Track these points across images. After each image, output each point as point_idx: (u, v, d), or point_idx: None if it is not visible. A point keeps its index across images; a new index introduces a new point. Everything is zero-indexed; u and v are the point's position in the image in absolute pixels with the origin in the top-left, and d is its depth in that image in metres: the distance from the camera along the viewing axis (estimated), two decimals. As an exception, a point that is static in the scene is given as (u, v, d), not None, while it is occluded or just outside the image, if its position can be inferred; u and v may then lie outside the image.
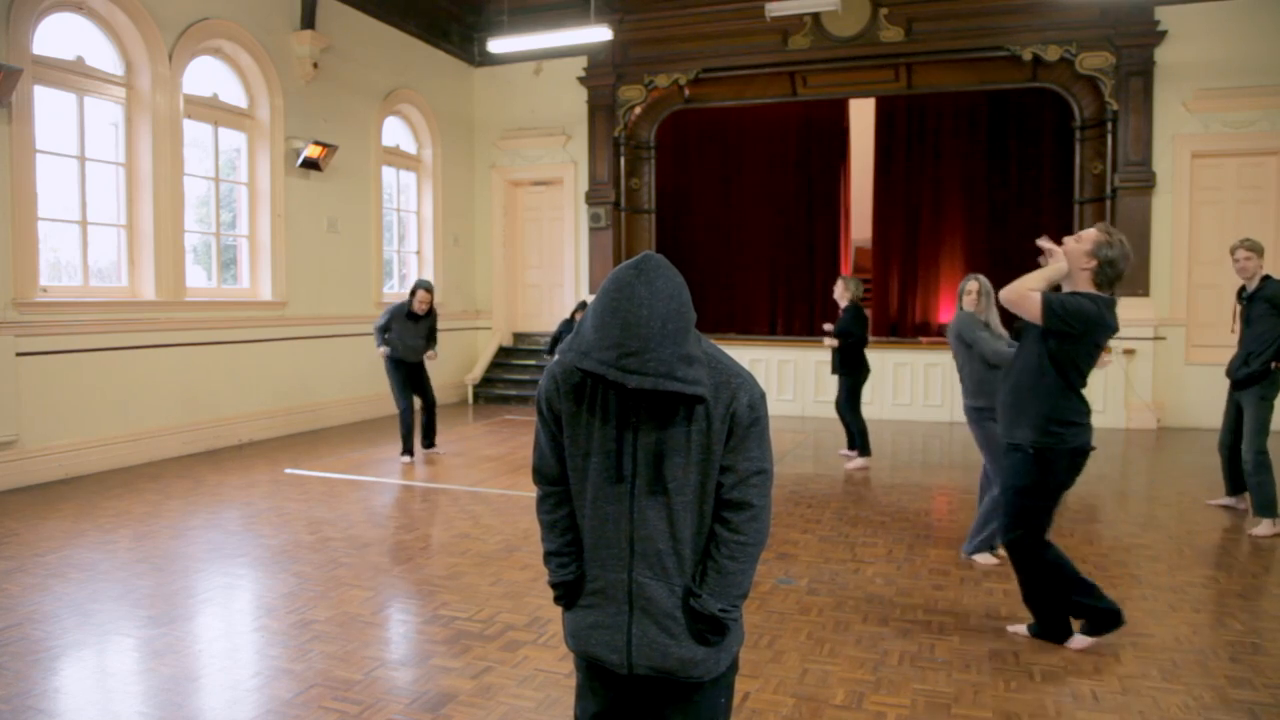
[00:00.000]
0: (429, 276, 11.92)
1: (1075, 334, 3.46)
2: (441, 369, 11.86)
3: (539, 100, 12.38)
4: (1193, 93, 9.71)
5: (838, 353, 7.60)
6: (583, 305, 9.73)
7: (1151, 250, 9.89)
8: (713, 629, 1.75)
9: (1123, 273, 3.52)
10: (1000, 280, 4.31)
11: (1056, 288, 3.59)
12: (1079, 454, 3.58)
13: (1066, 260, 3.54)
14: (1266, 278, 5.59)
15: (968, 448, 8.62)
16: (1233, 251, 5.67)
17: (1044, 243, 3.61)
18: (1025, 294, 3.47)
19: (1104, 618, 3.64)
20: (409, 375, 7.77)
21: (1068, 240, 3.60)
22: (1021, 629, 3.84)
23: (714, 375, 1.70)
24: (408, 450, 7.81)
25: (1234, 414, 5.83)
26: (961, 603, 4.23)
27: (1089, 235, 3.52)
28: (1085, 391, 3.62)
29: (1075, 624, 3.73)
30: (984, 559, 4.84)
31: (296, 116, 9.38)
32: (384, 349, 7.62)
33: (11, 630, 3.86)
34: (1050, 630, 3.73)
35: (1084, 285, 3.53)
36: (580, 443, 1.77)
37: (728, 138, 13.69)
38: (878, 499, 6.44)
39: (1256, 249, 5.58)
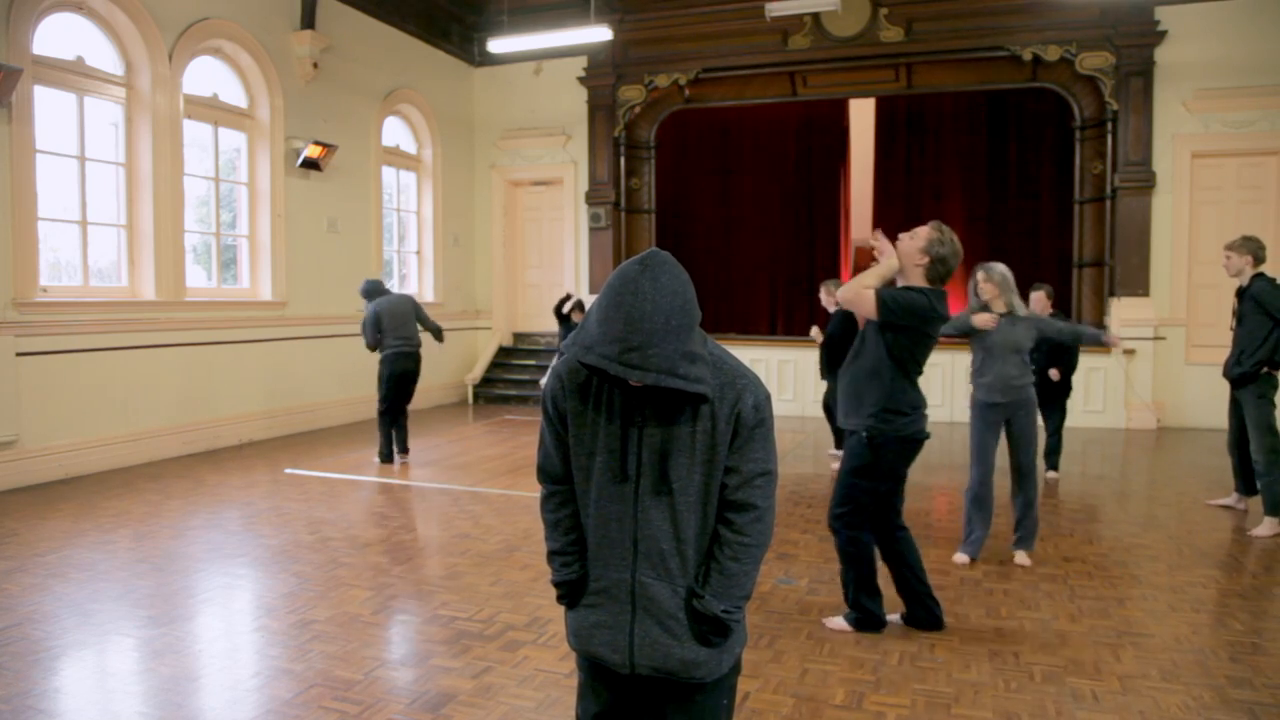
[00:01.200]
0: (429, 277, 11.92)
1: (908, 326, 3.65)
2: (441, 369, 11.87)
3: (539, 100, 12.38)
4: (1193, 93, 9.71)
5: (831, 356, 7.55)
6: (579, 306, 9.73)
7: (1151, 250, 9.90)
8: (715, 630, 1.75)
9: (952, 269, 3.72)
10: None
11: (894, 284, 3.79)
12: (911, 442, 3.79)
13: (899, 257, 3.73)
14: (1259, 275, 5.56)
15: (968, 448, 8.60)
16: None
17: (876, 239, 3.81)
18: (860, 291, 3.66)
19: (872, 621, 3.86)
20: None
21: (902, 237, 3.78)
22: (841, 622, 3.92)
23: (719, 376, 1.70)
24: (392, 455, 7.67)
25: (1239, 412, 5.78)
26: (961, 603, 4.24)
27: (922, 233, 3.72)
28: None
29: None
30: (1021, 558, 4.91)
31: (296, 116, 9.38)
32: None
33: (11, 630, 3.86)
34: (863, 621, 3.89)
35: (916, 280, 3.74)
36: (585, 441, 1.77)
37: (728, 138, 13.67)
38: (878, 499, 6.44)
39: (1237, 247, 5.59)
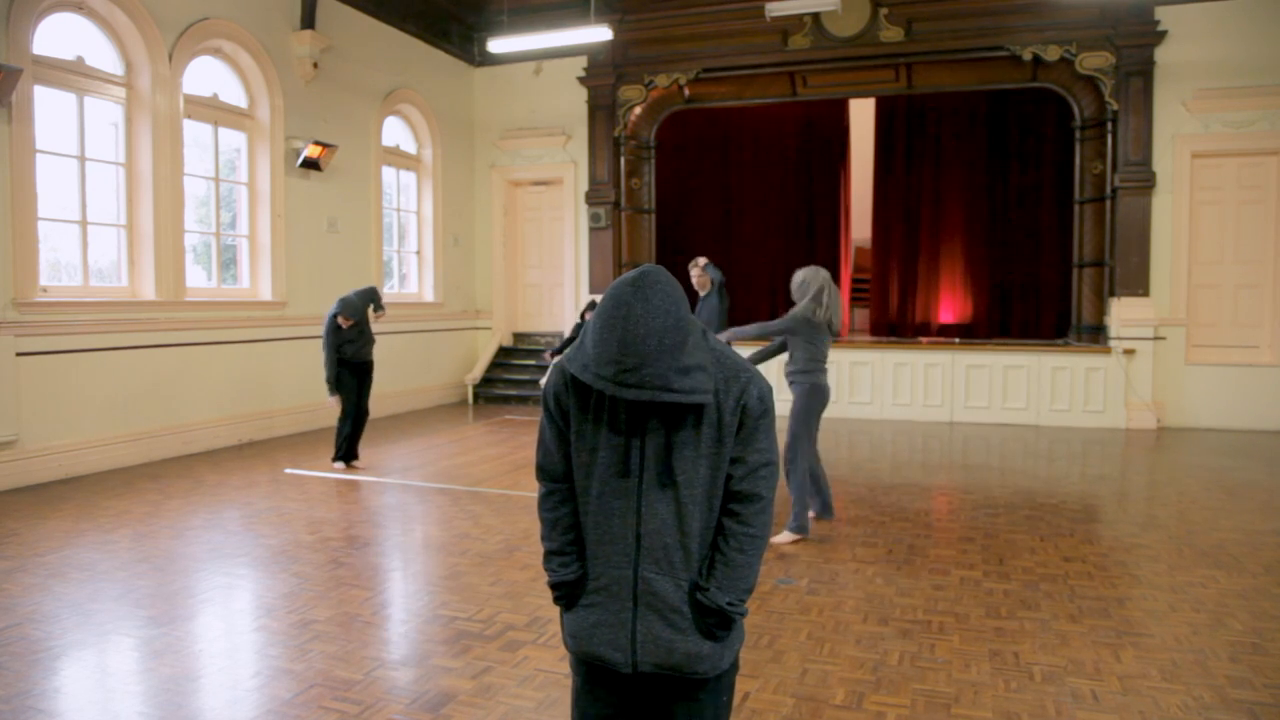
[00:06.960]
0: (429, 277, 11.91)
1: None
2: (442, 369, 11.88)
3: (539, 100, 12.38)
4: (1193, 93, 9.71)
5: None
6: (592, 305, 9.71)
7: (1152, 250, 9.89)
8: (720, 623, 1.75)
9: None
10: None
11: None
12: None
13: None
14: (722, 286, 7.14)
15: (968, 447, 8.62)
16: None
17: None
18: None
19: None
20: (362, 378, 7.36)
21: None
22: None
23: (723, 370, 1.73)
24: (350, 456, 7.42)
25: None
26: (961, 603, 4.24)
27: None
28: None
29: None
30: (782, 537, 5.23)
31: (296, 116, 9.37)
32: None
33: (11, 630, 3.86)
34: None
35: None
36: (587, 437, 1.78)
37: (728, 138, 13.69)
38: (878, 499, 6.44)
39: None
